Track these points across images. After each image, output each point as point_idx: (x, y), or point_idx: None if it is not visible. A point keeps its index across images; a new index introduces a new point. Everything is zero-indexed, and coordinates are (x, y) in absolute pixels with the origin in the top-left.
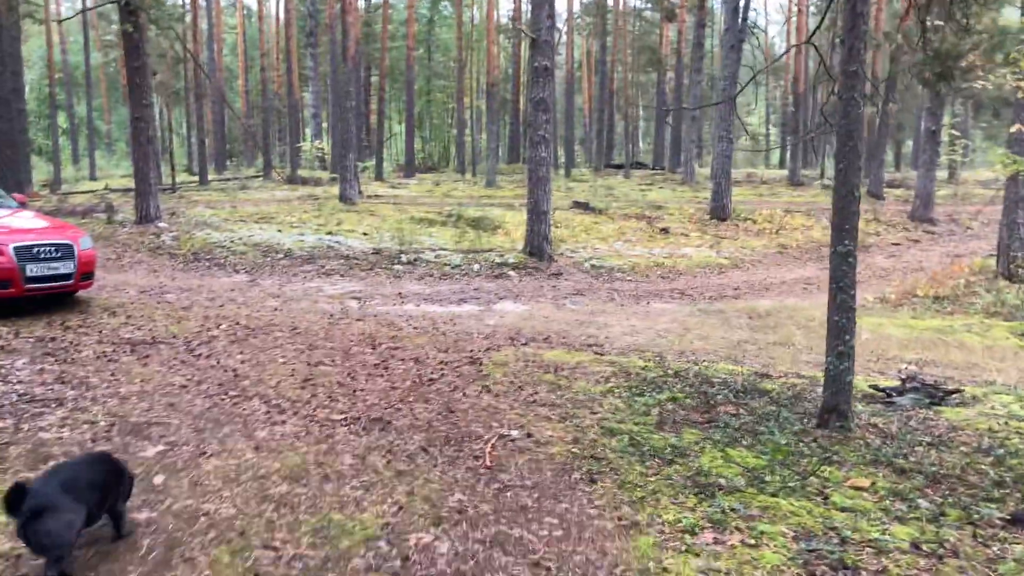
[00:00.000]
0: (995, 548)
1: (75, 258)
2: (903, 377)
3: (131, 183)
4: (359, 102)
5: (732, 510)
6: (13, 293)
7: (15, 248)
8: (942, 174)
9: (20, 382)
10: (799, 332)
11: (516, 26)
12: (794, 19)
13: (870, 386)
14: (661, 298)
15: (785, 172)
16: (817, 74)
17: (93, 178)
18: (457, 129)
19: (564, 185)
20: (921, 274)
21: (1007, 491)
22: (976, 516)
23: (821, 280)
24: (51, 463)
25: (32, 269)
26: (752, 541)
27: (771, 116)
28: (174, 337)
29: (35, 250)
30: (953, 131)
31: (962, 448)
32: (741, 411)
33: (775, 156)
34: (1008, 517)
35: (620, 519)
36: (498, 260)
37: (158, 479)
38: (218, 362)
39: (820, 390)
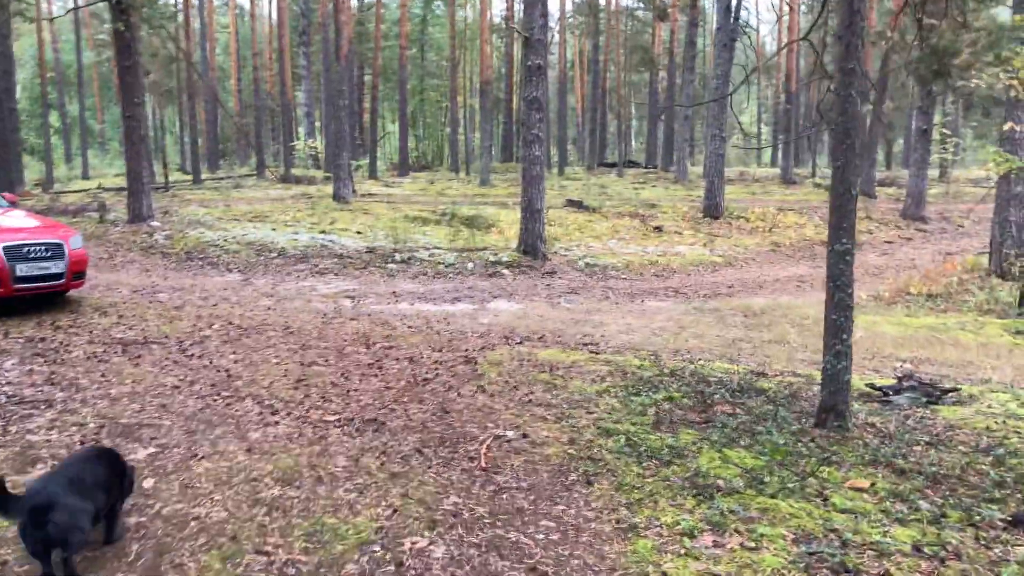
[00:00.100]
0: (997, 550)
1: (66, 257)
2: (899, 375)
3: (124, 182)
4: (352, 101)
5: (731, 512)
6: (2, 293)
7: (5, 247)
8: (933, 172)
9: (8, 383)
10: (793, 330)
11: (509, 25)
12: (785, 18)
13: (867, 385)
14: (655, 296)
15: (777, 170)
16: (809, 72)
17: (86, 177)
18: (451, 128)
19: (557, 184)
20: (914, 272)
21: (1008, 492)
22: (977, 517)
23: (814, 278)
24: (39, 466)
25: (22, 269)
26: (752, 544)
27: (763, 115)
28: (166, 337)
29: (25, 249)
30: (944, 130)
31: (961, 448)
32: (738, 410)
33: (767, 154)
34: (1010, 518)
35: (618, 522)
36: (492, 259)
37: (148, 483)
38: (211, 362)
39: (817, 389)
